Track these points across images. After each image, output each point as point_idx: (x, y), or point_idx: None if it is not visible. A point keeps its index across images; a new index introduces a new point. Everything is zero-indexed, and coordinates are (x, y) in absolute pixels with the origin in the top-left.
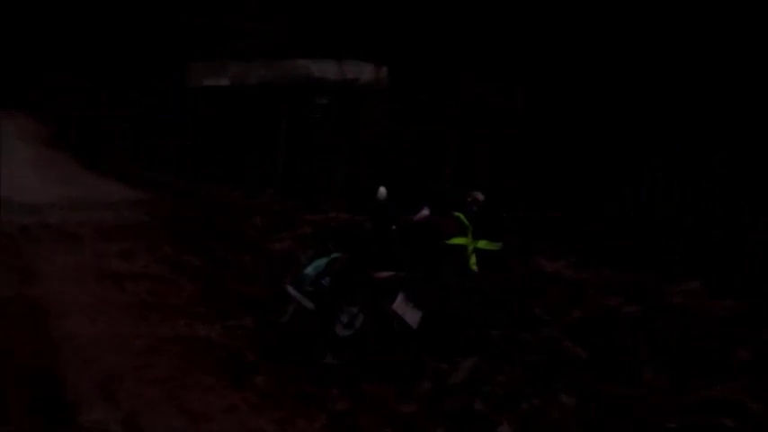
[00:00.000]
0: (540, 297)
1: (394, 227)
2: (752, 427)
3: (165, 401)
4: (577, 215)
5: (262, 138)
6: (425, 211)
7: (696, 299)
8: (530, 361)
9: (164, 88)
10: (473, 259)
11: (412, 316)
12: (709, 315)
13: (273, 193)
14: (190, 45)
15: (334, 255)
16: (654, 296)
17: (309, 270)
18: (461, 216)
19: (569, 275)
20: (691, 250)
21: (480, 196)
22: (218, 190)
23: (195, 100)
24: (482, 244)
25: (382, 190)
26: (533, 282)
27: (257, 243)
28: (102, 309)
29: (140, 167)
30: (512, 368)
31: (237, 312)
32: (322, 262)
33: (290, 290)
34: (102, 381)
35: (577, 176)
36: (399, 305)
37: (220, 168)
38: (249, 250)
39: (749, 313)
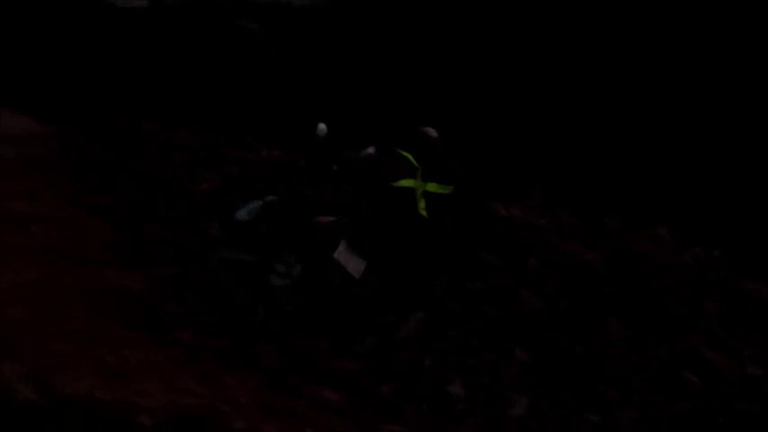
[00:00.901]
0: (493, 243)
1: (335, 167)
2: (716, 382)
3: (77, 357)
4: (537, 154)
5: (186, 65)
6: (370, 150)
7: (663, 246)
8: (482, 313)
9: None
10: (422, 204)
11: (354, 265)
12: (677, 264)
13: (195, 126)
14: None
15: (269, 197)
16: (617, 243)
17: (243, 214)
18: (409, 156)
19: (526, 220)
20: (658, 193)
21: (432, 133)
22: (136, 123)
23: (109, 26)
24: (432, 187)
25: (322, 126)
26: (486, 227)
27: (178, 183)
28: (4, 255)
29: (50, 99)
30: (463, 321)
31: (158, 260)
32: (256, 205)
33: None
34: (5, 334)
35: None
36: (341, 253)
37: (140, 100)
38: (170, 191)
39: (719, 262)
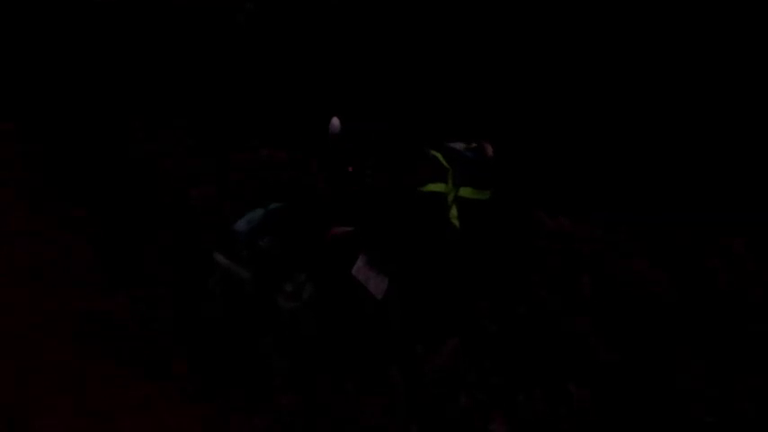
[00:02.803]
0: (539, 261)
1: (350, 168)
2: None
3: (57, 396)
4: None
5: (167, 51)
6: (335, 121)
7: (742, 263)
8: (527, 341)
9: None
10: (454, 211)
11: (376, 284)
12: (759, 285)
13: (186, 125)
14: None
15: (273, 205)
16: (687, 259)
17: (241, 224)
18: (439, 156)
19: (578, 234)
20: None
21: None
22: (113, 119)
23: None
24: (465, 192)
25: (335, 121)
26: (531, 241)
27: (169, 189)
28: None
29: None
30: (505, 351)
31: (147, 280)
32: (257, 214)
33: (219, 258)
34: None
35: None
36: (360, 270)
37: (114, 93)
38: (159, 199)
39: None
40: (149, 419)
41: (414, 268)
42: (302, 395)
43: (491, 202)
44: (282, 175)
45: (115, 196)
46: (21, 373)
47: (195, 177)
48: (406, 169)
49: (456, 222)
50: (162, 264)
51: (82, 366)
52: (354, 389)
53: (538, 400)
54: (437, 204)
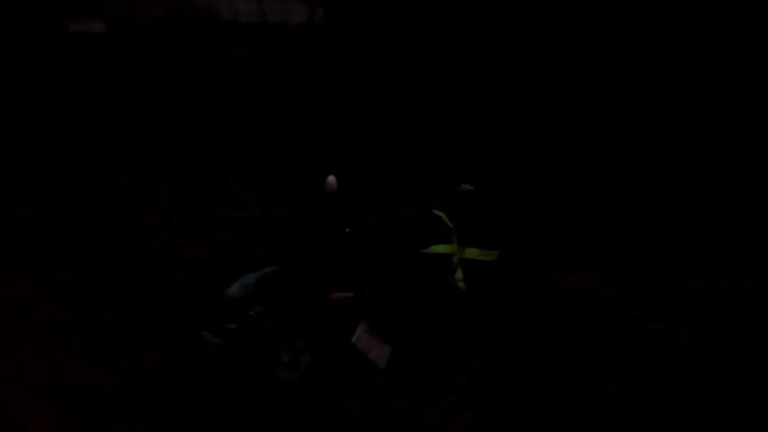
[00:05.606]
0: (557, 321)
1: (348, 229)
2: None
3: None
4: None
5: (153, 101)
6: (331, 179)
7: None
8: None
9: None
10: (459, 274)
11: (378, 352)
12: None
13: (175, 181)
14: None
15: (267, 268)
16: (714, 317)
17: (234, 290)
18: (443, 215)
19: (597, 292)
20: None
21: (469, 188)
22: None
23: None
24: (472, 253)
25: (331, 178)
26: (546, 302)
27: (155, 250)
28: None
29: None
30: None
31: (133, 350)
32: (251, 279)
33: (207, 336)
34: None
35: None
36: (361, 338)
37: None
38: (144, 261)
39: None
40: None
41: (417, 337)
42: None
43: (499, 263)
44: (277, 236)
45: (101, 259)
46: None
47: (185, 235)
48: (408, 229)
49: (462, 285)
50: (150, 334)
51: None
52: None
53: None
54: (442, 267)
